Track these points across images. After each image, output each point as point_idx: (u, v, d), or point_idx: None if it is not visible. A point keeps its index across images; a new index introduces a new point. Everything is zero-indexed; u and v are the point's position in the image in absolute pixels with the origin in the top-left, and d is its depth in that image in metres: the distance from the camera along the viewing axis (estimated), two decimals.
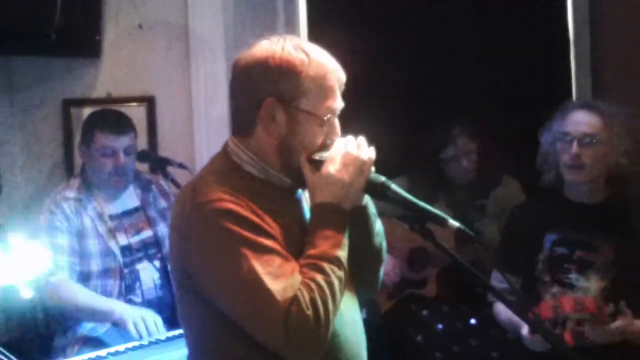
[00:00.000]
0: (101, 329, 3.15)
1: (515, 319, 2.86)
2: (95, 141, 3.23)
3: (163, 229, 3.31)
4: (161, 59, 3.82)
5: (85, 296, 3.15)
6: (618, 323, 2.69)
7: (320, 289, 1.73)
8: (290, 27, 3.91)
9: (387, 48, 4.02)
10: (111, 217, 3.27)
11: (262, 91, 1.81)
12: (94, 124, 3.31)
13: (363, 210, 1.93)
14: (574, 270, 2.87)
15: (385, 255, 2.06)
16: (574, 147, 2.87)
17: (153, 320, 3.05)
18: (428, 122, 3.80)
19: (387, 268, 3.43)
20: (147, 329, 3.01)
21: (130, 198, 3.35)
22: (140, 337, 2.98)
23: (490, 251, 3.35)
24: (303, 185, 1.88)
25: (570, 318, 2.69)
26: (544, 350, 2.77)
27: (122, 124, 3.29)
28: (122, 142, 3.23)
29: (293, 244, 1.81)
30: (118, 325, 3.07)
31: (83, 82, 3.81)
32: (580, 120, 2.90)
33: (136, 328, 3.00)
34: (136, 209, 3.34)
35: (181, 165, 3.41)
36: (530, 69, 4.05)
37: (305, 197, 1.94)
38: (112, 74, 3.82)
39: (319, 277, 1.75)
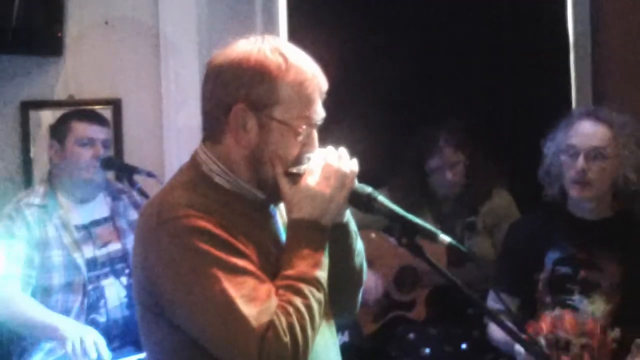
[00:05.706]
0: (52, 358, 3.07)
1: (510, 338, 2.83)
2: (72, 131, 3.24)
3: (132, 243, 3.17)
4: (128, 59, 3.78)
5: (32, 310, 3.07)
6: None
7: (298, 313, 1.68)
8: (270, 27, 3.88)
9: (371, 50, 3.94)
10: (77, 227, 3.21)
11: (232, 96, 1.76)
12: (70, 116, 3.34)
13: (344, 227, 1.87)
14: (578, 291, 2.80)
15: (365, 276, 2.01)
16: (581, 161, 2.79)
17: (92, 340, 2.94)
18: (412, 130, 3.67)
19: (368, 284, 3.32)
20: (84, 349, 2.90)
21: (100, 207, 3.30)
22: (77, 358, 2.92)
23: (484, 270, 3.29)
24: (277, 199, 1.83)
25: (572, 342, 2.62)
26: None
27: (102, 117, 3.38)
28: (101, 132, 3.28)
29: (268, 262, 1.76)
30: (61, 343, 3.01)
31: (43, 83, 3.79)
32: (588, 132, 2.82)
33: (73, 348, 2.91)
34: (105, 219, 3.28)
35: (149, 174, 3.32)
36: (525, 73, 3.96)
37: (279, 212, 1.88)
38: (74, 74, 3.79)
39: (297, 300, 1.69)
